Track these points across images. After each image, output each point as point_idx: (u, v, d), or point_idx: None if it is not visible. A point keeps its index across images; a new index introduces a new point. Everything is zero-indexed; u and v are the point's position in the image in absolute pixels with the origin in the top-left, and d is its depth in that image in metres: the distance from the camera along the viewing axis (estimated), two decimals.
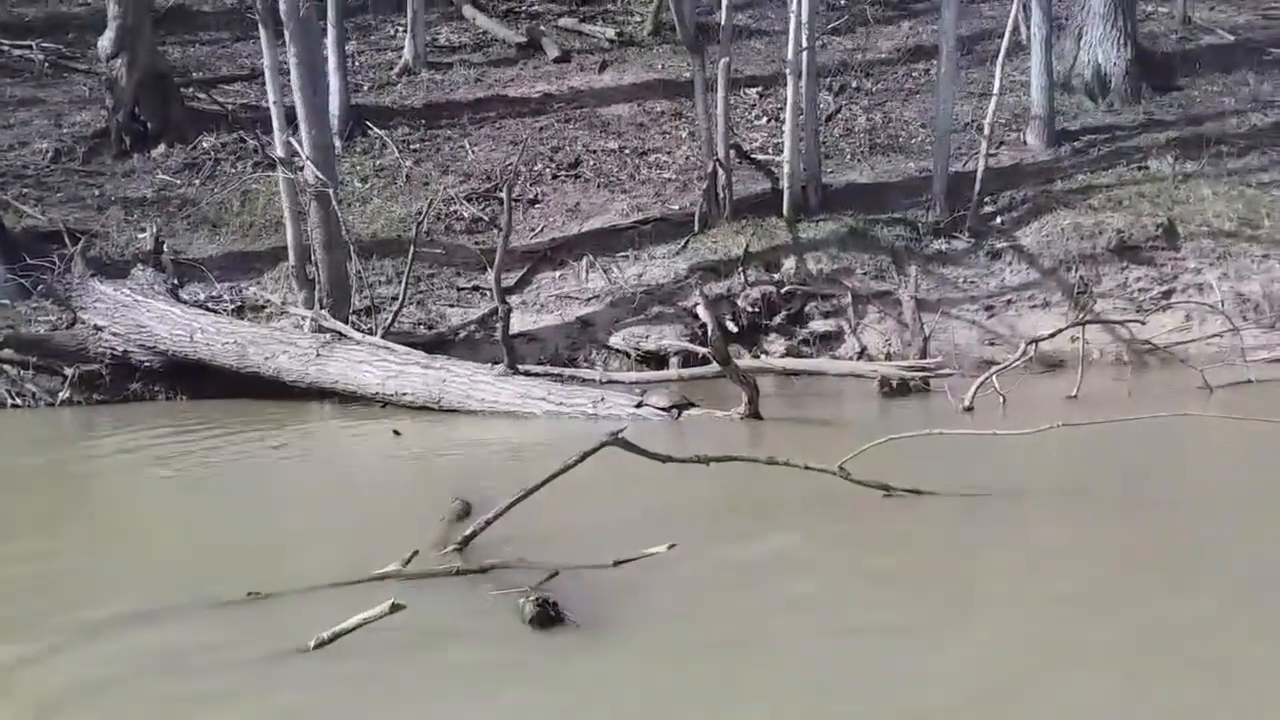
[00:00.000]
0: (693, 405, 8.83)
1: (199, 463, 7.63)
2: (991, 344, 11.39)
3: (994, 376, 9.08)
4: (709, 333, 8.82)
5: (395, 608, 3.83)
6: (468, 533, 4.81)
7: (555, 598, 4.17)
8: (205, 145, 14.04)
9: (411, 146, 14.16)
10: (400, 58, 15.94)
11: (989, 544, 5.32)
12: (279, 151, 10.96)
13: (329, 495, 6.82)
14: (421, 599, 4.20)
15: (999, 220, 12.49)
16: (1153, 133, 13.87)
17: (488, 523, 4.80)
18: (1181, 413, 6.18)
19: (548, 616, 4.09)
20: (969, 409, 8.63)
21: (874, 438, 6.20)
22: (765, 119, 14.61)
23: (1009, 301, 11.81)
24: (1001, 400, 8.84)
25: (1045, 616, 4.29)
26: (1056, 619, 4.25)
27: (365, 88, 15.47)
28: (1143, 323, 10.39)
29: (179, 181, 13.52)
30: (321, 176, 10.50)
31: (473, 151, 14.02)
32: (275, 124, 10.97)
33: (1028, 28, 14.00)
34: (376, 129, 14.23)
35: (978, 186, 12.38)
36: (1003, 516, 5.70)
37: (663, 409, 8.75)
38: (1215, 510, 5.74)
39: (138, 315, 10.47)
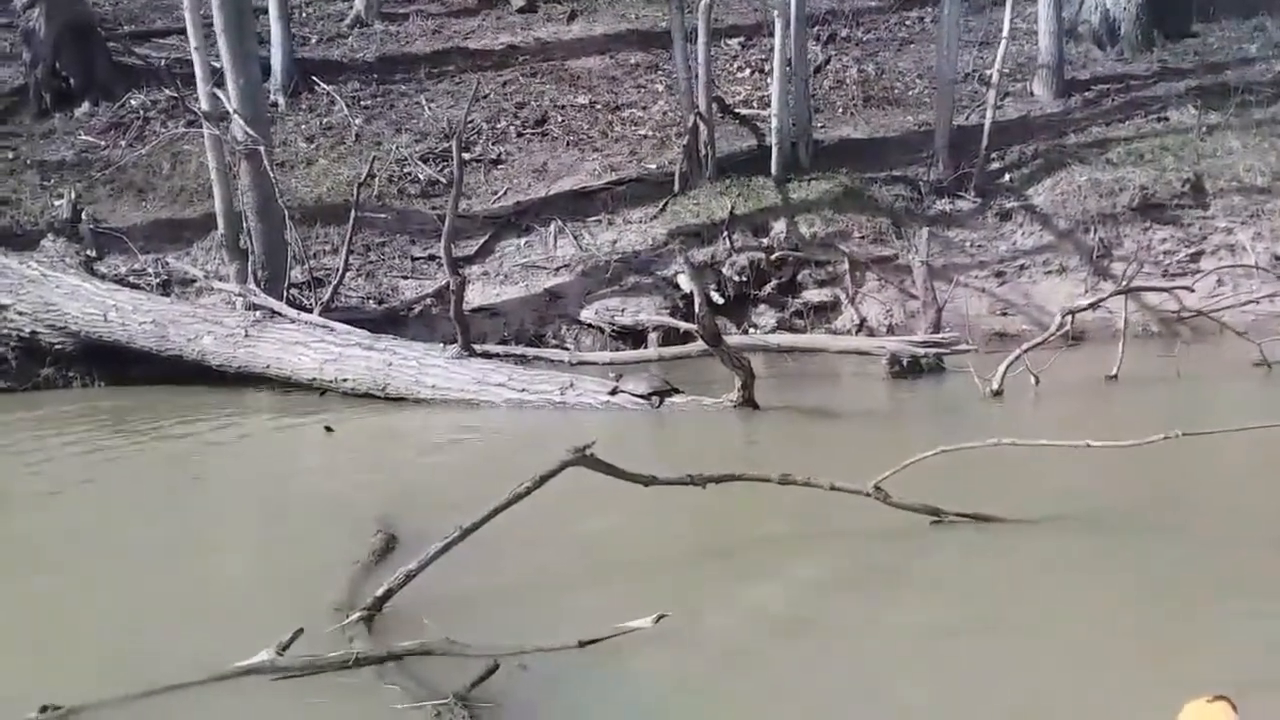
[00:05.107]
0: (676, 391, 7.70)
1: (53, 480, 6.14)
2: (1004, 314, 10.39)
3: (1025, 355, 7.84)
4: (696, 306, 7.63)
5: None
6: (380, 592, 3.56)
7: (487, 715, 2.89)
8: (134, 103, 12.79)
9: (362, 103, 12.95)
10: (351, 8, 14.88)
11: (1103, 608, 3.87)
12: (203, 105, 9.67)
13: (218, 527, 5.39)
14: (294, 711, 2.94)
15: (1008, 178, 11.42)
16: (1169, 81, 12.86)
17: (409, 576, 3.56)
18: None
19: None
20: (998, 393, 7.43)
21: (893, 429, 5.02)
22: (749, 71, 13.46)
23: (1022, 267, 10.76)
24: (1034, 381, 7.68)
25: None
26: None
27: (313, 41, 14.33)
28: (1191, 289, 9.20)
29: (103, 143, 12.28)
30: (251, 132, 9.27)
31: (429, 108, 12.80)
32: (198, 74, 9.70)
33: None
34: (324, 84, 12.95)
35: (985, 141, 11.31)
36: (1116, 564, 4.24)
37: (641, 396, 7.63)
38: None
39: (45, 292, 9.44)
